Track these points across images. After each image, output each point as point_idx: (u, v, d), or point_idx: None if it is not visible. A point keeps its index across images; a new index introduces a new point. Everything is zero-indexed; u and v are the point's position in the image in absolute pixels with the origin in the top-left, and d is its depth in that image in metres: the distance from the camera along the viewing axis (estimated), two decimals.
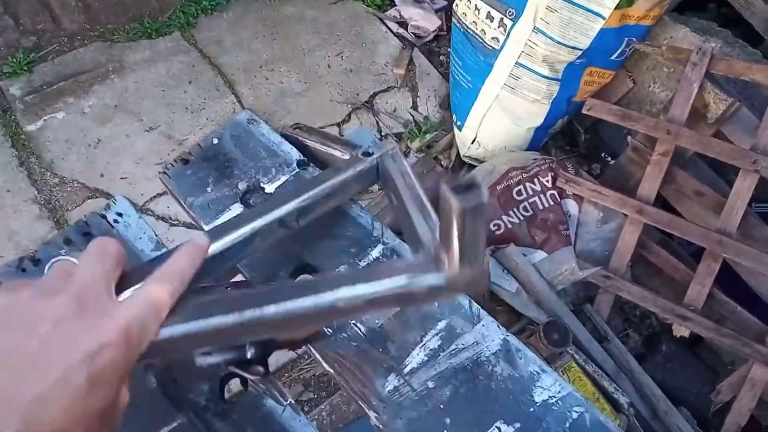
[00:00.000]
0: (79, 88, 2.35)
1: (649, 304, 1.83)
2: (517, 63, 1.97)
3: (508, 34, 1.93)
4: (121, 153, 2.24)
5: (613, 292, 1.89)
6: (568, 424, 0.68)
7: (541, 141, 2.27)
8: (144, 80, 2.41)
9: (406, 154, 2.29)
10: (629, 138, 2.03)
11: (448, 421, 0.68)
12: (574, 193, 1.99)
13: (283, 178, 0.78)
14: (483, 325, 0.73)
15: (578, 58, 1.92)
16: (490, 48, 2.01)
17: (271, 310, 0.46)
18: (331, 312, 0.48)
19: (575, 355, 1.83)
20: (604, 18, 1.80)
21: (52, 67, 2.38)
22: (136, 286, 0.44)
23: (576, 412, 0.69)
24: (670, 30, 2.02)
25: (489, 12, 1.95)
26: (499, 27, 1.95)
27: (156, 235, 0.75)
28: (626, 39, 1.93)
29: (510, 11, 1.89)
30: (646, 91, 2.17)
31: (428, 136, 2.30)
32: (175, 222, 2.12)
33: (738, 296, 1.80)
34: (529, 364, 0.72)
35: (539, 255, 1.98)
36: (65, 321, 0.37)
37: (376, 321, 0.71)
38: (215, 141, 0.80)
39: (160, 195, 2.16)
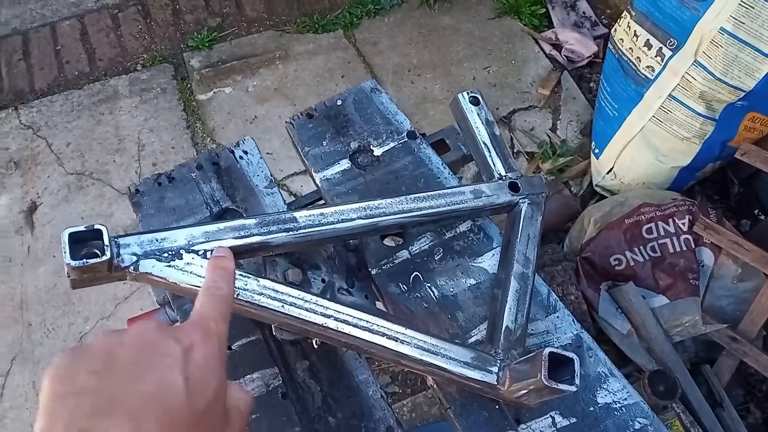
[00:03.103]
0: (247, 69, 2.61)
1: None
2: (670, 95, 1.87)
3: (665, 65, 1.84)
4: (272, 131, 2.44)
5: (738, 356, 1.72)
6: None
7: (686, 184, 2.12)
8: (303, 69, 2.61)
9: (535, 173, 2.25)
10: None
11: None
12: (712, 242, 1.83)
13: (392, 144, 0.83)
14: (557, 317, 0.72)
15: (740, 99, 1.77)
16: (643, 77, 1.92)
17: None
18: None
19: (681, 414, 1.69)
20: None
21: (228, 47, 2.67)
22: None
23: (639, 423, 0.65)
24: None
25: (648, 39, 1.87)
26: (656, 56, 1.86)
27: (271, 175, 0.83)
28: None
29: (671, 41, 1.80)
30: None
31: (562, 160, 2.25)
32: None
33: None
34: (598, 364, 0.69)
35: (660, 300, 1.85)
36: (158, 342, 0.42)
37: (451, 289, 0.73)
38: (339, 102, 0.87)
39: (297, 173, 2.32)
